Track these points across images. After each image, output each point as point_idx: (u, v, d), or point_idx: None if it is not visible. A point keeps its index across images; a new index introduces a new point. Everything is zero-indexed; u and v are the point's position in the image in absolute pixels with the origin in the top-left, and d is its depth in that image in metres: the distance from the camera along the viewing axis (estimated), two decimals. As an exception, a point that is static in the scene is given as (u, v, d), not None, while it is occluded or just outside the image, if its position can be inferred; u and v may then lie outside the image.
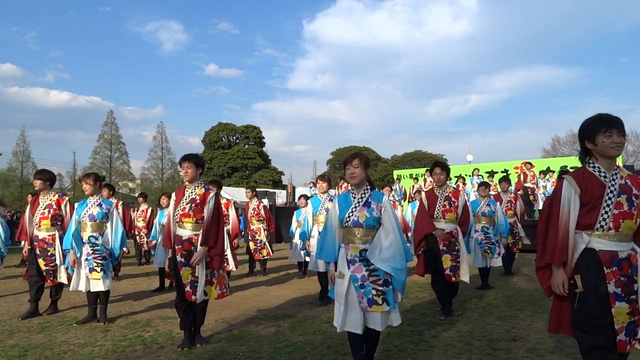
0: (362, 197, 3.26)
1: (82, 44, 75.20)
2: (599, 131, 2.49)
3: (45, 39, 71.96)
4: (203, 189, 4.17)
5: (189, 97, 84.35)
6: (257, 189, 9.74)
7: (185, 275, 4.05)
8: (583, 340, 2.50)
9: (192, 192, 4.15)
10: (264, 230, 8.60)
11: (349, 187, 3.43)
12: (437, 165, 5.23)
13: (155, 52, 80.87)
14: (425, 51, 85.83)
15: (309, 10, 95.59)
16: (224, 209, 6.81)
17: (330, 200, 5.88)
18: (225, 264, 6.26)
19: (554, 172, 14.02)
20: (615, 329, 2.43)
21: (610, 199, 2.48)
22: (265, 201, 14.03)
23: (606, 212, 2.48)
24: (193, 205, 4.09)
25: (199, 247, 4.06)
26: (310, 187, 19.98)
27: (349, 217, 3.21)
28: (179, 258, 4.07)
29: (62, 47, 73.80)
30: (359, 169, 3.24)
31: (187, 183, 4.22)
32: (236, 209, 7.32)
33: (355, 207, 3.23)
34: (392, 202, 3.48)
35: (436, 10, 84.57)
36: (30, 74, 67.84)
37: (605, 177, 2.53)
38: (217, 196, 4.27)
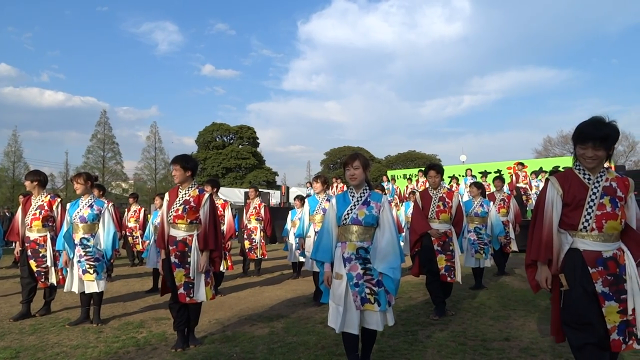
0: (361, 196, 3.28)
1: (77, 44, 75.04)
2: (577, 142, 2.58)
3: (41, 39, 71.73)
4: (197, 191, 4.16)
5: (184, 98, 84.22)
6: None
7: (179, 277, 4.03)
8: (572, 337, 2.56)
9: (185, 194, 4.13)
10: (261, 230, 8.58)
11: (345, 188, 3.44)
12: (432, 168, 5.27)
13: (150, 52, 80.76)
14: (419, 52, 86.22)
15: (303, 11, 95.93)
16: (220, 209, 6.80)
17: (328, 200, 5.88)
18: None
19: (546, 172, 14.12)
20: (607, 329, 2.47)
21: (592, 200, 2.56)
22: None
23: (589, 213, 2.55)
24: (187, 207, 4.07)
25: (193, 248, 4.05)
26: (307, 187, 20.03)
27: (347, 214, 3.23)
28: (172, 259, 4.05)
29: (57, 47, 73.46)
30: (359, 170, 3.25)
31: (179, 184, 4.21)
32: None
33: (355, 205, 3.24)
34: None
35: (430, 12, 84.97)
36: (25, 74, 67.39)
37: (589, 179, 2.60)
38: (212, 197, 4.25)
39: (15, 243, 5.52)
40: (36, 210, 5.32)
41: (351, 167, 3.27)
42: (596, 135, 2.48)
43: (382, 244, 3.15)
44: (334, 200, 3.38)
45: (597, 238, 2.54)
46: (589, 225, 2.55)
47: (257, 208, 8.70)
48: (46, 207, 5.35)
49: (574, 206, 2.59)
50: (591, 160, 2.55)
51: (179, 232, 4.09)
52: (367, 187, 3.33)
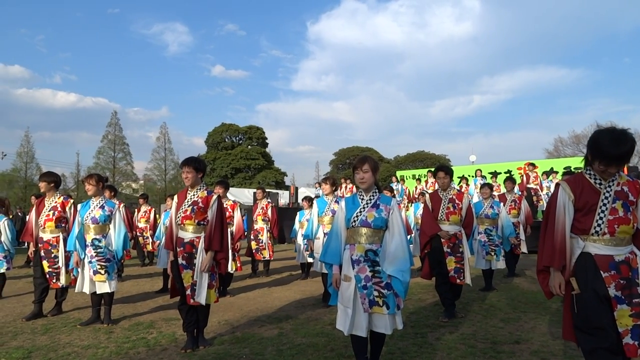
0: (370, 199, 3.28)
1: (89, 46, 75.70)
2: (596, 159, 2.53)
3: (54, 41, 72.48)
4: (205, 192, 4.18)
5: (194, 98, 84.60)
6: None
7: (187, 279, 4.05)
8: (583, 341, 2.54)
9: (194, 195, 4.15)
10: (267, 231, 8.59)
11: (354, 189, 3.45)
12: (441, 169, 5.24)
13: (161, 54, 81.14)
14: (428, 52, 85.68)
15: (312, 12, 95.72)
16: (229, 209, 6.83)
17: (337, 201, 5.88)
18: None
19: (557, 172, 13.99)
20: (619, 332, 2.45)
21: (604, 205, 2.54)
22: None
23: (601, 218, 2.54)
24: (195, 207, 4.09)
25: (199, 250, 4.07)
26: (316, 188, 20.02)
27: (356, 217, 3.23)
28: (180, 260, 4.08)
29: (69, 49, 74.22)
30: (369, 173, 3.25)
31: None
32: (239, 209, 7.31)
33: (364, 207, 3.24)
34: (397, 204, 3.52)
35: (440, 11, 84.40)
36: (38, 76, 68.17)
37: (600, 184, 2.58)
38: (220, 199, 4.27)
39: (29, 243, 5.59)
40: (49, 211, 5.38)
41: (360, 171, 3.26)
42: (615, 156, 2.45)
43: (391, 247, 3.15)
44: (343, 203, 3.38)
45: (609, 242, 2.53)
46: (600, 229, 2.53)
47: (264, 209, 8.71)
48: (59, 208, 5.40)
49: (585, 211, 2.58)
50: (607, 175, 2.56)
51: (187, 234, 4.11)
52: (377, 190, 3.33)
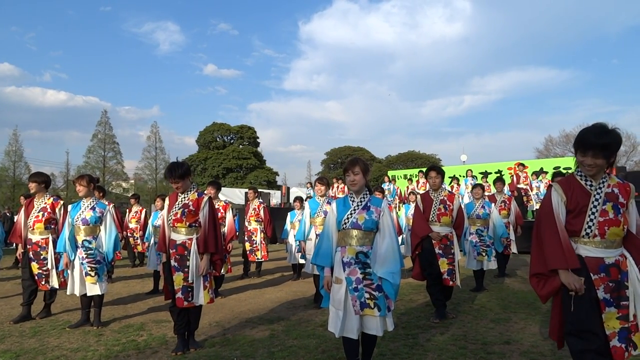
0: (361, 201, 3.29)
1: (80, 44, 75.17)
2: (577, 150, 2.57)
3: (44, 39, 71.92)
4: (196, 194, 4.15)
5: (186, 97, 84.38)
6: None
7: (178, 281, 4.02)
8: (573, 344, 2.54)
9: (184, 197, 4.12)
10: (261, 231, 8.54)
11: (346, 189, 3.45)
12: (433, 169, 5.26)
13: (152, 52, 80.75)
14: (420, 53, 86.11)
15: (305, 11, 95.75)
16: (221, 210, 6.79)
17: (329, 203, 5.87)
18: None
19: (546, 172, 14.10)
20: (607, 335, 2.46)
21: (595, 206, 2.55)
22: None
23: (591, 220, 2.54)
24: (185, 210, 4.07)
25: (192, 252, 4.04)
26: (308, 187, 19.97)
27: (347, 219, 3.23)
28: (172, 262, 4.06)
29: (60, 47, 73.57)
30: (360, 175, 3.26)
31: None
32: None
33: (355, 209, 3.25)
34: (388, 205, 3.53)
35: (431, 12, 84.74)
36: (27, 74, 67.56)
37: (591, 185, 2.59)
38: (211, 200, 4.25)
39: (18, 245, 5.51)
40: (39, 212, 5.31)
41: (351, 173, 3.27)
42: (596, 144, 2.47)
43: (382, 249, 3.16)
44: (334, 205, 3.39)
45: (599, 244, 2.53)
46: (591, 231, 2.54)
47: (257, 209, 8.65)
48: (49, 210, 5.33)
49: (576, 213, 2.58)
50: (590, 168, 2.54)
51: (179, 236, 4.09)
52: (367, 192, 3.34)
